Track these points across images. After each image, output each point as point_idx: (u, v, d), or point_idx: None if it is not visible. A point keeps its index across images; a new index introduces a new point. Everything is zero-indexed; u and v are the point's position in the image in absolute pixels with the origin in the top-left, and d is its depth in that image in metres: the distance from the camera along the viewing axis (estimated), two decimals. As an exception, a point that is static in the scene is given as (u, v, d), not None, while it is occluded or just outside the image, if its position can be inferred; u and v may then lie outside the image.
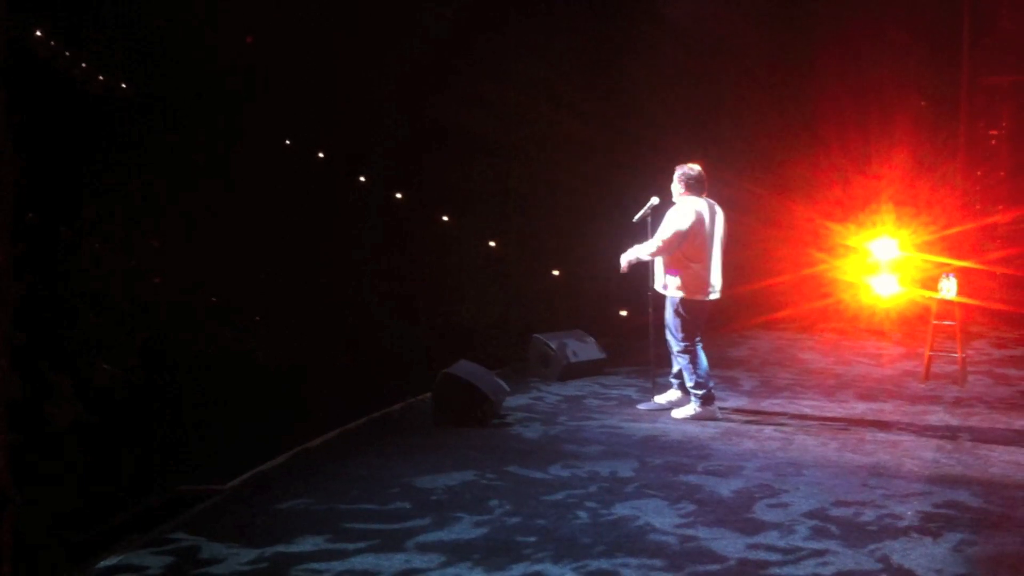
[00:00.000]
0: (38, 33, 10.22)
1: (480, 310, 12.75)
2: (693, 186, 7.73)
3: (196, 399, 8.55)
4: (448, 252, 14.07)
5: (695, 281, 7.65)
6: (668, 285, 7.74)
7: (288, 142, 13.43)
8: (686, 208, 7.65)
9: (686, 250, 7.62)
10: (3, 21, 2.62)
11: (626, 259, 7.85)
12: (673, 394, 8.12)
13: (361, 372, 9.60)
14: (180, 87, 11.57)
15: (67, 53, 10.58)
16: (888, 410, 8.12)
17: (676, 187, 7.79)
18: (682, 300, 7.68)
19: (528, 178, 14.08)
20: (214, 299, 11.50)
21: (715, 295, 7.76)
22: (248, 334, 10.72)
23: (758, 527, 5.10)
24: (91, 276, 10.17)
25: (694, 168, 7.78)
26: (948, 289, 9.27)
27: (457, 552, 4.74)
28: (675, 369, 8.06)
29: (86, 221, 10.60)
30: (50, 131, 9.18)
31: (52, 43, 10.34)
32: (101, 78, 11.09)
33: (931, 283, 10.07)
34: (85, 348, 8.63)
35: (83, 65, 10.78)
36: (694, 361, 7.72)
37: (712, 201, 7.79)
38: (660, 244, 7.62)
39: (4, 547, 2.72)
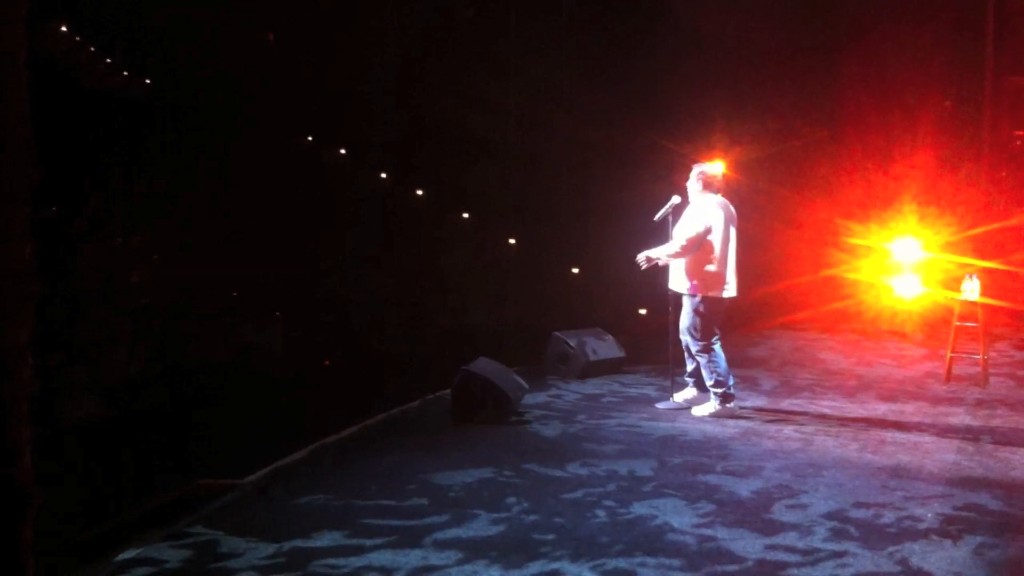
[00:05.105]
0: (43, 27, 10.26)
1: (497, 308, 12.76)
2: (710, 185, 7.75)
3: (209, 394, 8.60)
4: (465, 250, 14.07)
5: (713, 278, 7.65)
6: (686, 283, 7.72)
7: (294, 140, 13.49)
8: (705, 207, 7.65)
9: (705, 248, 7.62)
10: (23, 25, 2.62)
11: (647, 256, 7.83)
12: (689, 392, 8.11)
13: (374, 370, 9.61)
14: (181, 85, 11.62)
15: (77, 39, 10.62)
16: (909, 411, 8.06)
17: (694, 185, 7.81)
18: (702, 298, 7.66)
19: (546, 179, 14.08)
20: (234, 293, 11.57)
21: (732, 293, 7.75)
22: (261, 331, 10.79)
23: (777, 528, 5.07)
24: (95, 273, 10.24)
25: (712, 167, 7.80)
26: (971, 290, 9.21)
27: (474, 549, 4.74)
28: (690, 368, 8.04)
29: (87, 219, 10.68)
30: (54, 128, 9.23)
31: (62, 30, 10.36)
32: (122, 73, 11.13)
33: (954, 284, 10.00)
34: (94, 343, 8.70)
35: (91, 51, 10.81)
36: (713, 359, 7.71)
37: (726, 200, 7.80)
38: (683, 244, 7.61)
39: (26, 544, 2.73)
